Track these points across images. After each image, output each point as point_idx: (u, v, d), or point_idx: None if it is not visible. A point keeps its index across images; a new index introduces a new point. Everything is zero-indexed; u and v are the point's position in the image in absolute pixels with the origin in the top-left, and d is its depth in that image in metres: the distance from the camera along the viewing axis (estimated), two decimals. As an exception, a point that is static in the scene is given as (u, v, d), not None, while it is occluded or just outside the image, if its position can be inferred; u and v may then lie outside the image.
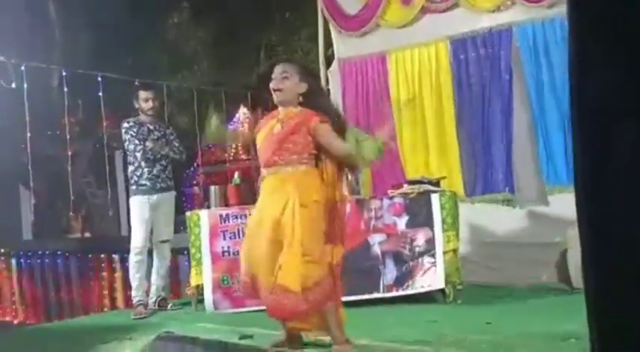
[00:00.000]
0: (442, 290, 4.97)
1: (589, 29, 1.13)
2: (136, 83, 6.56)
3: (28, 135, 7.91)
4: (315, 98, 3.60)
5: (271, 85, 3.57)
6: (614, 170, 1.10)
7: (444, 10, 6.11)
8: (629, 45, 1.07)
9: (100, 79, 7.77)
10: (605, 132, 1.11)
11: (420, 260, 4.97)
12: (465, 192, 5.94)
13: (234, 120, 13.92)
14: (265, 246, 3.38)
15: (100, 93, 7.85)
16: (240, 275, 3.70)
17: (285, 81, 3.54)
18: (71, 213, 11.39)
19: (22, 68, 7.54)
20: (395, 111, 6.42)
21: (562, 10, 5.35)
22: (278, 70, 3.57)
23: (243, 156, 13.27)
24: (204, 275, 5.18)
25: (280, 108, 3.62)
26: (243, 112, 13.76)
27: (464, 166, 6.03)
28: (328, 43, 7.09)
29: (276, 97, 3.58)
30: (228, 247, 5.18)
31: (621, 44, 1.08)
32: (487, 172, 5.91)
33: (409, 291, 4.96)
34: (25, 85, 7.55)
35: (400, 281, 4.99)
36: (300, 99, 3.56)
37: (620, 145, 1.08)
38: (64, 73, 8.04)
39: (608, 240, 1.14)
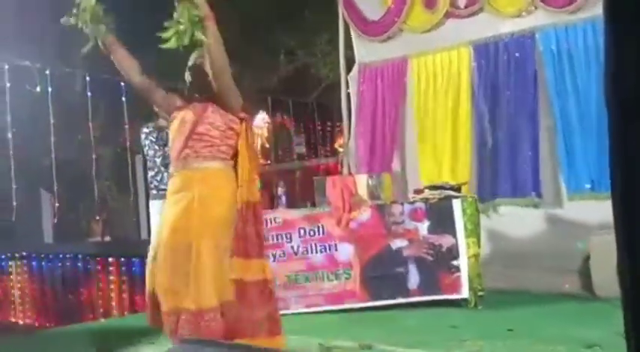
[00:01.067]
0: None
1: (629, 34, 1.11)
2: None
3: (52, 139, 8.00)
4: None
5: (186, 77, 3.44)
6: None
7: (467, 16, 6.10)
8: None
9: (122, 84, 7.85)
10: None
11: (443, 266, 4.95)
12: (486, 197, 5.91)
13: (254, 124, 13.98)
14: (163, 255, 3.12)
15: (123, 98, 7.93)
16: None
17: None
18: (97, 217, 11.48)
19: (47, 72, 7.64)
20: (415, 115, 6.41)
21: (585, 15, 5.33)
22: (190, 64, 3.45)
23: (262, 161, 13.32)
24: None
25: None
26: (262, 117, 13.82)
27: (485, 171, 5.99)
28: (348, 47, 7.10)
29: (188, 90, 3.42)
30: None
31: None
32: (513, 177, 5.86)
33: (433, 297, 4.94)
34: (50, 89, 7.65)
35: (424, 286, 4.97)
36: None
37: None
38: (87, 78, 8.13)
39: None
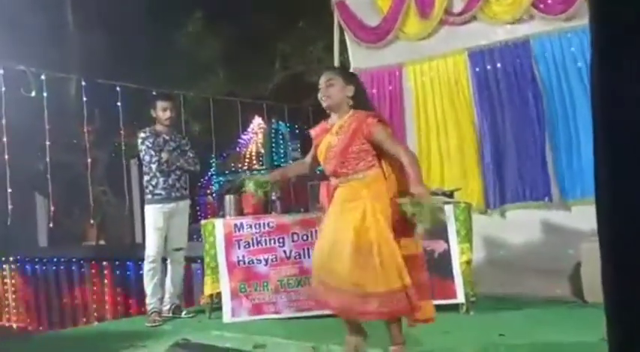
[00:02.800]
0: (455, 301, 4.97)
1: (614, 37, 1.13)
2: (154, 93, 6.63)
3: (47, 143, 8.02)
4: (363, 99, 3.70)
5: (319, 95, 3.67)
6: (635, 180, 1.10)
7: (462, 23, 6.15)
8: None
9: (118, 88, 7.87)
10: (629, 143, 1.11)
11: (436, 271, 4.97)
12: (487, 204, 5.95)
13: (249, 129, 14.02)
14: (348, 253, 3.40)
15: (119, 103, 7.95)
16: (312, 282, 3.71)
17: (330, 88, 3.63)
18: (91, 221, 11.48)
19: (42, 77, 7.66)
20: (412, 122, 6.45)
21: (579, 23, 5.38)
22: (322, 79, 3.67)
23: (257, 166, 13.35)
24: (221, 283, 5.21)
25: (332, 116, 3.70)
26: (257, 123, 13.86)
27: (486, 177, 6.03)
28: (343, 54, 7.14)
29: (324, 103, 3.65)
30: (243, 256, 5.22)
31: None
32: (519, 182, 5.89)
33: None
34: (45, 94, 7.67)
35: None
36: (351, 102, 3.63)
37: None
38: (82, 83, 8.15)
39: (628, 255, 1.13)
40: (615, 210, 1.15)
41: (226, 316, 5.15)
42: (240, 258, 5.21)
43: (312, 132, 3.85)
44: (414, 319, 3.50)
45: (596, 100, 1.17)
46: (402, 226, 3.49)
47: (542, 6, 5.69)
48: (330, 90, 3.62)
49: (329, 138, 3.66)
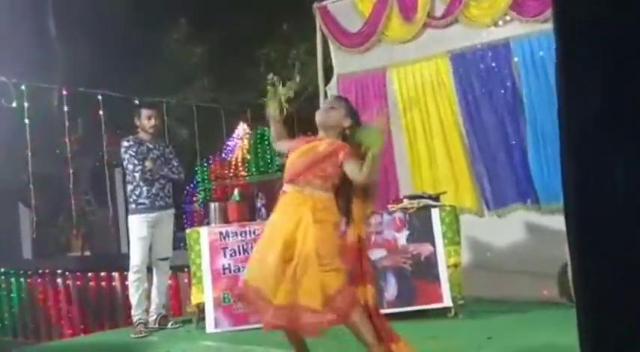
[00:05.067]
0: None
1: (575, 36, 1.13)
2: (136, 102, 6.58)
3: (29, 153, 7.94)
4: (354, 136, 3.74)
5: (317, 114, 3.76)
6: (603, 181, 1.10)
7: (444, 26, 6.16)
8: (617, 52, 1.07)
9: (100, 97, 7.81)
10: (591, 143, 1.11)
11: (422, 275, 4.96)
12: (475, 207, 5.95)
13: (234, 136, 13.97)
14: (275, 262, 3.38)
15: (101, 112, 7.89)
16: (241, 282, 3.65)
17: (331, 111, 3.72)
18: (75, 232, 11.39)
19: (23, 87, 7.59)
20: (396, 125, 6.44)
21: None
22: (327, 102, 3.85)
23: (243, 173, 13.29)
24: (205, 293, 5.16)
25: (321, 133, 3.74)
26: (243, 128, 13.82)
27: (473, 180, 6.03)
28: (327, 59, 7.11)
29: (318, 117, 3.73)
30: (229, 264, 5.17)
31: (609, 50, 1.08)
32: (502, 185, 5.90)
33: (412, 308, 4.94)
34: (26, 104, 7.60)
35: (402, 297, 4.98)
36: (347, 132, 3.68)
37: (607, 157, 1.09)
38: (64, 92, 8.08)
39: (597, 254, 1.14)
40: (579, 215, 1.16)
41: (209, 327, 5.09)
42: (226, 266, 5.17)
43: (294, 142, 3.87)
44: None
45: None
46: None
47: (518, 9, 5.71)
48: (331, 113, 3.71)
49: (306, 148, 3.69)
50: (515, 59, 5.80)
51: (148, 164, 5.44)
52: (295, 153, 3.70)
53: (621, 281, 1.10)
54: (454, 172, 6.12)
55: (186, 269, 6.73)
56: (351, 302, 3.40)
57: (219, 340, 4.73)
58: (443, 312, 4.93)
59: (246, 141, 13.74)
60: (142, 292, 5.46)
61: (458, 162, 6.11)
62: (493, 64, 5.93)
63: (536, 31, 5.66)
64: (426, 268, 4.95)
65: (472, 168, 6.06)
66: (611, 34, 1.07)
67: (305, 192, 3.53)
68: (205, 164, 13.09)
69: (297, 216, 3.45)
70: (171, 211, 5.73)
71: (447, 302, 4.90)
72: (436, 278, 4.93)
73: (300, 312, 3.31)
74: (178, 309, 7.28)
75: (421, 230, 5.04)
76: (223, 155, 13.84)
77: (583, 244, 1.16)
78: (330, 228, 3.48)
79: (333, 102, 3.85)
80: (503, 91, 5.88)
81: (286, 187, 3.63)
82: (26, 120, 7.62)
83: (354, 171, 3.55)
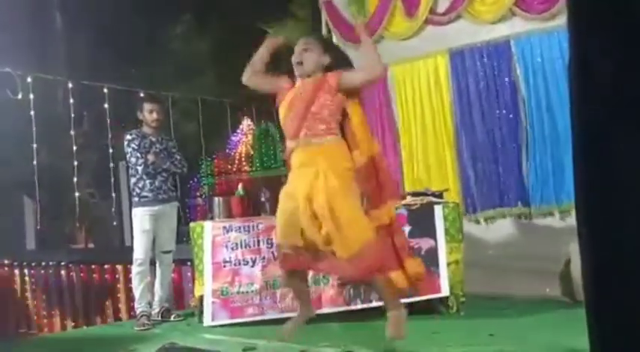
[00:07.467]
0: (445, 302, 4.96)
1: (589, 32, 1.13)
2: (141, 94, 6.58)
3: (34, 145, 7.96)
4: (341, 68, 3.53)
5: (292, 58, 3.52)
6: (615, 179, 1.10)
7: (446, 23, 6.15)
8: (630, 53, 1.07)
9: (105, 90, 7.83)
10: (604, 139, 1.11)
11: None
12: (467, 207, 5.95)
13: (238, 131, 13.98)
14: (304, 220, 3.36)
15: (106, 105, 7.90)
16: (280, 248, 3.67)
17: (305, 53, 3.50)
18: (78, 224, 11.42)
19: (29, 80, 7.60)
20: (400, 122, 6.45)
21: (560, 22, 5.38)
22: (299, 44, 3.54)
23: (247, 168, 13.30)
24: (204, 286, 5.17)
25: (299, 81, 3.57)
26: (247, 124, 13.82)
27: (467, 180, 6.03)
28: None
29: (297, 71, 3.52)
30: (230, 258, 5.18)
31: (621, 51, 1.08)
32: (496, 186, 5.89)
33: (412, 299, 4.94)
34: (32, 96, 7.62)
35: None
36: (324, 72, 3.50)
37: (620, 152, 1.09)
38: (69, 85, 8.10)
39: (608, 252, 1.15)
40: (593, 212, 1.16)
41: (207, 319, 5.09)
42: (227, 259, 5.17)
43: (276, 84, 3.70)
44: (405, 278, 3.48)
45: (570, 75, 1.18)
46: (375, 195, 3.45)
47: (524, 5, 5.68)
48: (305, 56, 3.49)
49: (292, 97, 3.52)
50: (515, 58, 5.78)
51: (151, 157, 5.46)
52: (283, 106, 3.55)
53: (634, 280, 1.09)
54: (450, 171, 6.11)
55: (189, 263, 6.75)
56: (380, 259, 3.36)
57: (222, 333, 4.74)
58: (445, 309, 4.93)
59: (250, 137, 13.75)
60: (145, 285, 5.48)
61: (454, 161, 6.10)
62: (492, 63, 5.90)
63: (539, 30, 5.65)
64: (426, 261, 4.95)
65: (465, 168, 6.04)
66: (624, 34, 1.07)
67: (312, 144, 3.42)
68: (209, 159, 13.10)
69: (312, 172, 3.36)
70: (175, 204, 5.74)
71: (444, 291, 4.90)
72: (437, 271, 4.93)
73: (328, 259, 3.37)
74: (182, 303, 7.30)
75: (423, 225, 5.04)
76: (227, 150, 13.86)
77: (594, 244, 1.16)
78: (348, 178, 3.40)
79: (305, 44, 3.54)
80: (501, 90, 5.86)
81: (290, 143, 3.51)
82: (32, 112, 7.64)
83: (364, 69, 3.40)
